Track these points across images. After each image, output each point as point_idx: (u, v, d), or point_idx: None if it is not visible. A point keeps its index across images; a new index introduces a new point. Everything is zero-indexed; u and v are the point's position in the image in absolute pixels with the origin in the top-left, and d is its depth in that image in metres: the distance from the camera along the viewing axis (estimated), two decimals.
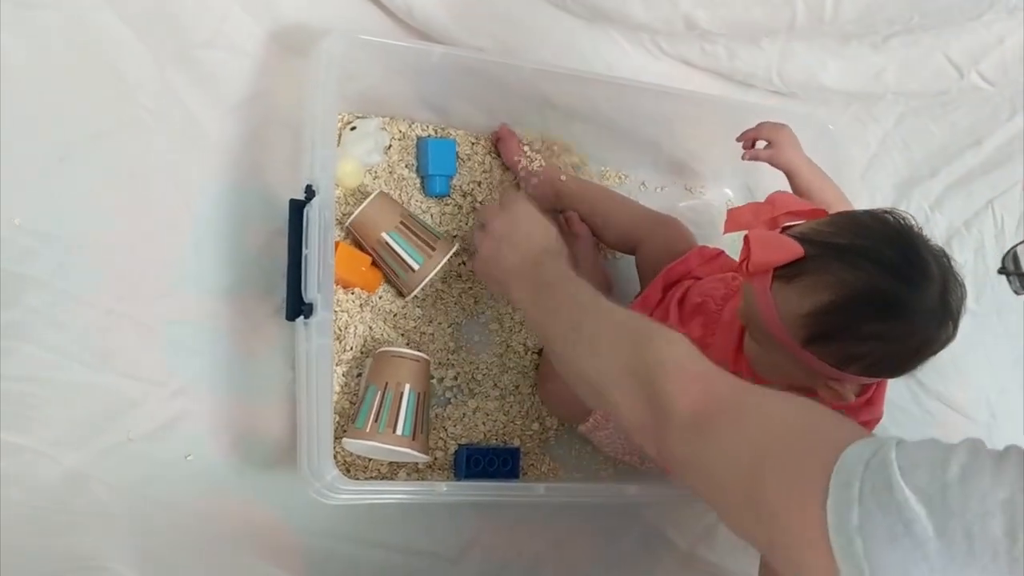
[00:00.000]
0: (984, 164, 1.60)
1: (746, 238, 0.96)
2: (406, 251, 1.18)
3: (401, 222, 1.20)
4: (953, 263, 0.96)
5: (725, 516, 0.75)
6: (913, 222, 0.96)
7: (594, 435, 1.27)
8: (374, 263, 1.21)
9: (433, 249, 1.20)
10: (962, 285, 0.96)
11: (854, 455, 0.63)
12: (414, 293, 1.20)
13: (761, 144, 1.26)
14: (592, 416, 1.24)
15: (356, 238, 1.20)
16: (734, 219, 1.03)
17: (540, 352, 1.31)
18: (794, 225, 0.99)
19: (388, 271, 1.20)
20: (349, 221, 1.18)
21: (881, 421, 1.36)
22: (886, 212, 0.97)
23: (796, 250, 0.93)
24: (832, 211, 1.07)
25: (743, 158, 1.26)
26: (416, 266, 1.18)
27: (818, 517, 0.62)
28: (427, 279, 1.19)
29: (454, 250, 1.23)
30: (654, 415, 0.82)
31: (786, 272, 0.94)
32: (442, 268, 1.21)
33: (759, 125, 1.26)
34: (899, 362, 0.96)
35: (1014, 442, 1.70)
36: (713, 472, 0.76)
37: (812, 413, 0.75)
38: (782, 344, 0.96)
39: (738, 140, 1.27)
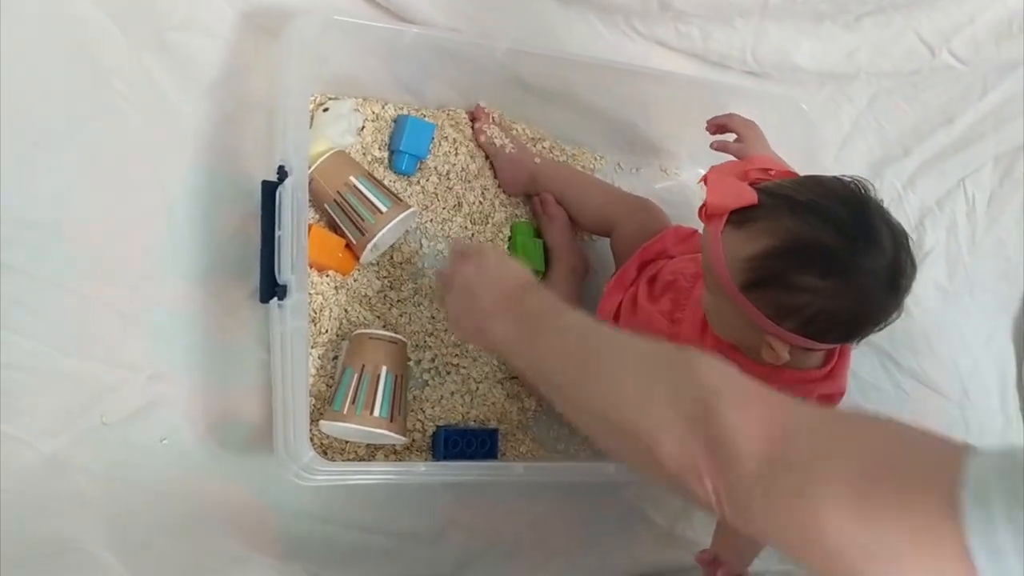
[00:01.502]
0: (956, 143, 1.61)
1: (704, 180, 0.98)
2: (374, 194, 1.19)
3: (368, 173, 1.22)
4: (911, 242, 0.97)
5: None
6: (873, 192, 0.97)
7: None
8: (331, 220, 1.21)
9: (400, 200, 1.22)
10: (914, 265, 0.97)
11: (978, 466, 0.56)
12: (378, 234, 1.18)
13: (730, 136, 1.26)
14: None
15: (318, 188, 1.19)
16: (714, 170, 1.03)
17: None
18: (764, 181, 1.00)
19: (350, 219, 1.18)
20: (315, 166, 1.17)
21: (854, 399, 1.38)
22: (853, 179, 0.98)
23: (750, 197, 0.94)
24: None
25: (711, 146, 1.26)
26: (384, 208, 1.18)
27: (956, 543, 0.54)
28: (396, 219, 1.19)
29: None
30: (711, 455, 0.68)
31: (739, 217, 0.95)
32: (408, 218, 1.21)
33: (730, 116, 1.26)
34: (835, 323, 0.96)
35: (986, 419, 1.73)
36: (809, 527, 0.62)
37: (905, 431, 0.64)
38: (725, 290, 0.97)
39: (708, 123, 1.27)
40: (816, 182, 0.98)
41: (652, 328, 1.18)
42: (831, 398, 1.12)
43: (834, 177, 0.99)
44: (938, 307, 1.63)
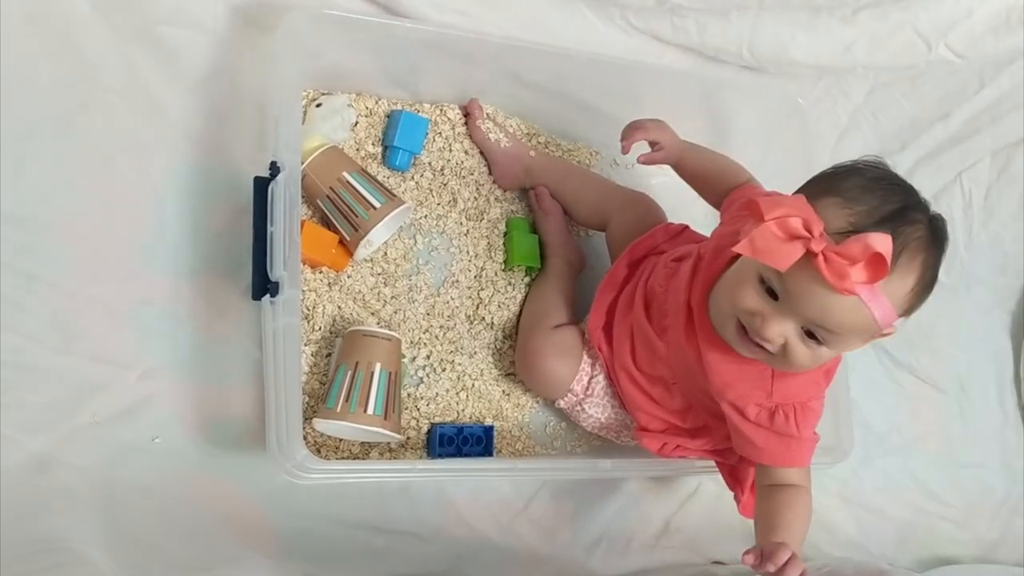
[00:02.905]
0: (953, 137, 1.61)
1: (832, 255, 0.89)
2: (367, 190, 1.18)
3: (362, 168, 1.21)
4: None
5: None
6: (889, 163, 1.01)
7: (573, 411, 1.27)
8: (324, 217, 1.20)
9: (393, 196, 1.20)
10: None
11: None
12: (372, 230, 1.17)
13: (640, 144, 1.24)
14: (570, 391, 1.24)
15: (311, 184, 1.18)
16: (776, 255, 0.90)
17: (516, 328, 1.31)
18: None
19: (344, 215, 1.17)
20: (307, 162, 1.16)
21: (853, 395, 1.38)
22: (867, 164, 1.00)
23: (888, 241, 0.88)
24: (733, 173, 1.18)
25: (639, 161, 1.25)
26: (378, 204, 1.17)
27: None
28: (390, 215, 1.17)
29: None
30: None
31: None
32: (402, 213, 1.20)
33: (640, 127, 1.23)
34: None
35: (983, 414, 1.73)
36: None
37: None
38: (883, 333, 0.96)
39: (622, 145, 1.24)
40: (874, 183, 0.97)
41: (651, 347, 1.17)
42: (828, 372, 1.13)
43: (863, 169, 1.00)
44: (935, 302, 1.61)
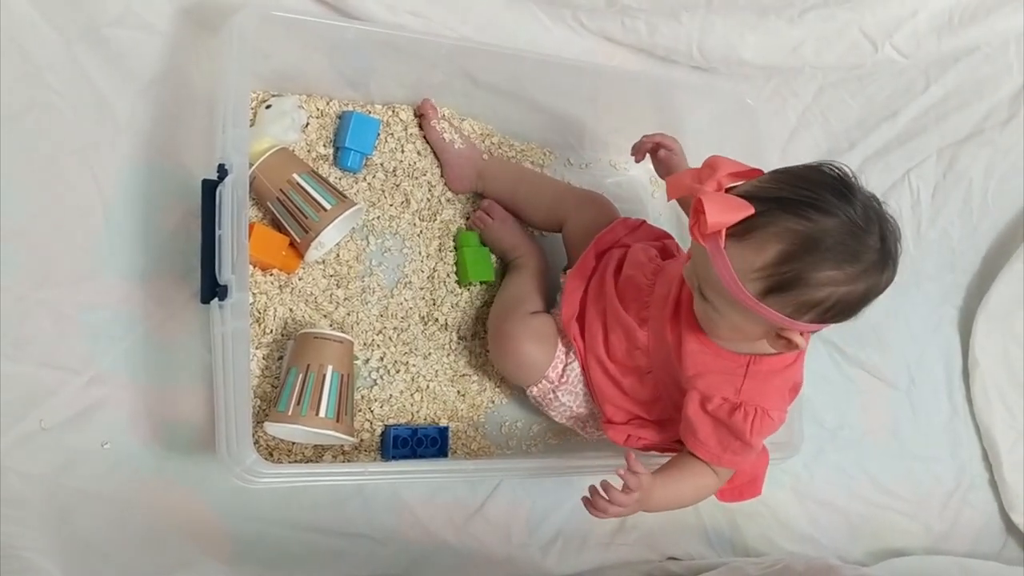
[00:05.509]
0: (900, 136, 1.63)
1: (697, 201, 0.95)
2: (318, 192, 1.17)
3: (312, 170, 1.21)
4: (886, 207, 1.00)
5: None
6: (848, 170, 0.99)
7: (545, 399, 1.26)
8: (274, 219, 1.19)
9: (344, 197, 1.20)
10: (897, 228, 1.00)
11: None
12: (322, 232, 1.17)
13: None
14: (545, 378, 1.24)
15: (261, 186, 1.17)
16: (675, 185, 1.03)
17: (471, 329, 1.31)
18: (736, 186, 0.99)
19: (294, 217, 1.17)
20: (257, 164, 1.16)
21: (804, 390, 1.39)
22: (820, 164, 0.99)
23: (747, 208, 0.93)
24: None
25: (658, 171, 1.29)
26: (328, 206, 1.17)
27: None
28: (341, 217, 1.17)
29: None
30: None
31: (737, 230, 0.94)
32: (354, 215, 1.20)
33: (653, 135, 1.27)
34: (850, 306, 0.98)
35: (932, 408, 1.74)
36: None
37: None
38: (738, 301, 0.97)
39: (636, 152, 1.28)
40: (794, 176, 0.98)
41: (630, 337, 1.19)
42: (795, 388, 1.15)
43: (804, 167, 1.00)
44: (885, 298, 1.63)
